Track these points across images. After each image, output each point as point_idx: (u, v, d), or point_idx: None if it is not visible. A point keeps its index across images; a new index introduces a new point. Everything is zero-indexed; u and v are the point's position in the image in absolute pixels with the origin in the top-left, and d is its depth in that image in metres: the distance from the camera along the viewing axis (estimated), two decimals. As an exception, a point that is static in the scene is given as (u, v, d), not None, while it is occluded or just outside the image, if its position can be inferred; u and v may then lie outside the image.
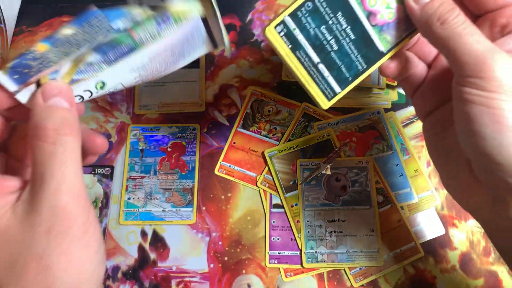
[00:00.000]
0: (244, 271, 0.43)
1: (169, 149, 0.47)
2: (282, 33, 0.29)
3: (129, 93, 0.50)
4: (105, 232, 0.45)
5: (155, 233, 0.45)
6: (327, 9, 0.29)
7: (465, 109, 0.26)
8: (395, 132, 0.47)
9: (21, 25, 0.53)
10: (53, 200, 0.23)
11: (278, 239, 0.44)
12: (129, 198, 0.46)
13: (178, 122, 0.48)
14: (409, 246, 0.43)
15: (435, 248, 0.44)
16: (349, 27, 0.29)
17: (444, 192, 0.45)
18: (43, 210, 0.23)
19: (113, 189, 0.46)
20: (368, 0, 0.29)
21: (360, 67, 0.31)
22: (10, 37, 0.52)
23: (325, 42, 0.30)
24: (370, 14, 0.29)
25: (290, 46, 0.29)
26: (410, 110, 0.48)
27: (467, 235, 0.44)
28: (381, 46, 0.30)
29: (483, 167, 0.27)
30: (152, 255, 0.44)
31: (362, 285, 0.43)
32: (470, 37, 0.26)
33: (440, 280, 0.43)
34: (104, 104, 0.50)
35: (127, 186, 0.46)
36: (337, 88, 0.31)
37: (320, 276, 0.43)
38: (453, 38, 0.26)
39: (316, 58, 0.30)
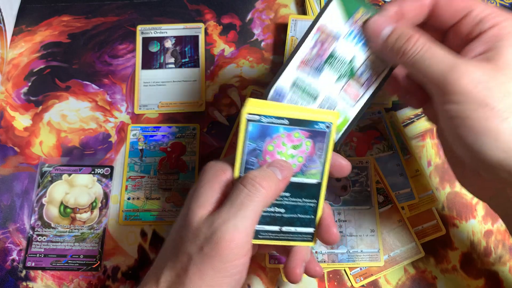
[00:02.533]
0: (244, 271, 0.43)
1: (169, 149, 0.47)
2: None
3: (129, 93, 0.50)
4: (104, 232, 0.45)
5: (155, 233, 0.45)
6: None
7: (449, 125, 0.29)
8: (395, 132, 0.47)
9: (20, 25, 0.53)
10: (217, 226, 0.28)
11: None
12: (128, 198, 0.45)
13: (178, 122, 0.48)
14: (410, 246, 0.43)
15: (436, 248, 0.43)
16: None
17: (445, 192, 0.45)
18: (208, 228, 0.29)
19: (112, 189, 0.46)
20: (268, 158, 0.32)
21: (313, 205, 0.33)
22: (10, 37, 0.52)
23: (272, 214, 0.32)
24: None
25: (253, 238, 0.32)
26: (411, 110, 0.48)
27: (467, 235, 0.44)
28: (314, 180, 0.33)
29: (476, 168, 0.30)
30: (152, 255, 0.44)
31: (363, 285, 0.42)
32: (432, 59, 0.28)
33: (440, 280, 0.43)
34: (104, 104, 0.49)
35: (126, 186, 0.46)
36: (309, 229, 0.33)
37: (320, 276, 0.43)
38: (417, 64, 0.29)
39: (276, 228, 0.33)
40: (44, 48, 0.52)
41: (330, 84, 0.33)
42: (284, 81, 0.33)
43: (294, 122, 0.31)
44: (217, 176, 0.31)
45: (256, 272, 0.43)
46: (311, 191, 0.33)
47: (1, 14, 0.50)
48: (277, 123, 0.31)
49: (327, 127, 0.32)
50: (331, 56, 0.33)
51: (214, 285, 0.28)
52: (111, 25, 0.53)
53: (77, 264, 0.44)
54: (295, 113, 0.31)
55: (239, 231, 0.28)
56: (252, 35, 0.52)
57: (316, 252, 0.43)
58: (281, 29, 0.52)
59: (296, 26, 0.49)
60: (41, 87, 0.50)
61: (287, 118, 0.31)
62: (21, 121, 0.49)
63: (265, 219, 0.32)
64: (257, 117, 0.31)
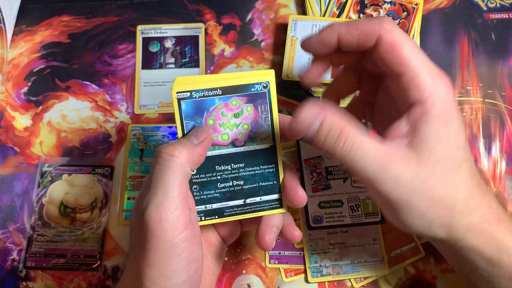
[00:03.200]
0: (244, 271, 0.43)
1: (169, 149, 0.47)
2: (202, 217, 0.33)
3: (129, 93, 0.50)
4: (104, 232, 0.45)
5: (155, 233, 0.45)
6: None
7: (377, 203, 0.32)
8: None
9: (20, 25, 0.53)
10: (141, 212, 0.28)
11: (278, 239, 0.44)
12: (128, 198, 0.45)
13: (178, 122, 0.48)
14: (410, 246, 0.43)
15: (436, 248, 0.43)
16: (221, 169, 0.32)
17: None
18: (136, 216, 0.29)
19: (113, 189, 0.46)
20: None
21: (272, 170, 0.32)
22: (10, 37, 0.52)
23: (232, 188, 0.32)
24: (233, 142, 0.32)
25: (218, 217, 0.32)
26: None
27: (467, 235, 0.44)
28: (266, 145, 0.32)
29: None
30: (152, 255, 0.44)
31: (363, 286, 0.42)
32: (362, 160, 0.28)
33: (440, 280, 0.43)
34: (104, 104, 0.49)
35: (126, 186, 0.46)
36: (275, 196, 0.33)
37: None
38: (349, 164, 0.29)
39: (240, 202, 0.32)
40: (44, 48, 0.52)
41: None
42: None
43: (228, 90, 0.30)
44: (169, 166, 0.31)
45: (256, 272, 0.43)
46: (266, 156, 0.32)
47: (1, 14, 0.50)
48: (211, 95, 0.30)
49: (264, 87, 0.31)
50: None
51: (165, 268, 0.28)
52: (111, 25, 0.53)
53: (77, 264, 0.44)
54: (226, 81, 0.30)
55: (164, 207, 0.27)
56: (252, 35, 0.52)
57: (320, 265, 0.43)
58: (281, 29, 0.52)
59: (296, 26, 0.49)
60: (41, 87, 0.50)
61: (219, 88, 0.30)
62: (21, 121, 0.49)
63: (225, 195, 0.32)
64: (187, 94, 0.30)
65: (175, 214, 0.27)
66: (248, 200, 0.32)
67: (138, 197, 0.30)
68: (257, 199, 0.32)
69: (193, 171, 0.31)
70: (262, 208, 0.33)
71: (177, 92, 0.30)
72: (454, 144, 0.29)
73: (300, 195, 0.32)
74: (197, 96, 0.30)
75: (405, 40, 0.29)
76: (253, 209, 0.32)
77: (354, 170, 0.29)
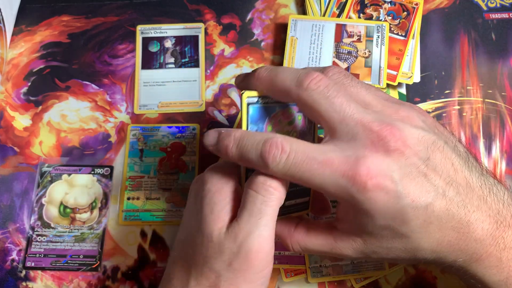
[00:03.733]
0: (244, 272, 0.43)
1: (168, 149, 0.47)
2: None
3: (128, 93, 0.50)
4: (104, 232, 0.45)
5: (155, 234, 0.45)
6: None
7: None
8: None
9: (20, 25, 0.53)
10: (242, 240, 0.28)
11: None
12: (128, 198, 0.45)
13: (178, 122, 0.48)
14: (410, 247, 0.43)
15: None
16: None
17: (444, 192, 0.45)
18: (232, 244, 0.28)
19: (112, 189, 0.46)
20: None
21: None
22: (9, 37, 0.52)
23: None
24: None
25: None
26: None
27: (468, 235, 0.44)
28: None
29: None
30: (152, 256, 0.44)
31: (363, 286, 0.42)
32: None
33: (440, 281, 0.43)
34: (104, 104, 0.49)
35: (126, 186, 0.46)
36: (306, 199, 0.35)
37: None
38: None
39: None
40: (44, 48, 0.52)
41: None
42: None
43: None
44: (226, 183, 0.30)
45: (256, 272, 0.43)
46: None
47: (1, 14, 0.50)
48: (273, 102, 0.32)
49: None
50: None
51: None
52: (111, 25, 0.53)
53: (77, 264, 0.44)
54: None
55: (265, 239, 0.28)
56: (252, 35, 0.52)
57: (320, 266, 0.43)
58: (281, 29, 0.52)
59: (296, 26, 0.49)
60: (41, 87, 0.50)
61: None
62: (20, 121, 0.49)
63: None
64: (255, 99, 0.31)
65: (270, 247, 0.28)
66: (287, 203, 0.33)
67: (209, 215, 0.30)
68: (293, 201, 0.33)
69: None
70: (295, 209, 0.34)
71: (247, 97, 0.31)
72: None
73: (326, 201, 0.34)
74: (262, 102, 0.31)
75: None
76: (287, 211, 0.34)
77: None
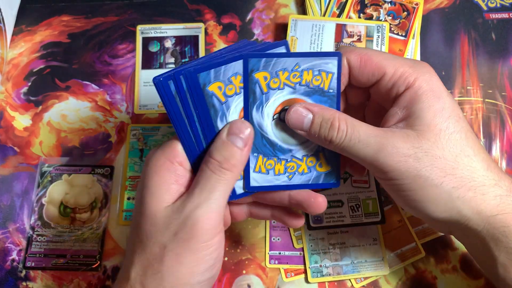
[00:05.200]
0: (244, 272, 0.43)
1: (169, 149, 0.47)
2: None
3: (129, 93, 0.50)
4: (104, 232, 0.45)
5: (155, 233, 0.45)
6: None
7: (391, 194, 0.32)
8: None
9: (20, 25, 0.53)
10: (190, 212, 0.29)
11: (278, 239, 0.44)
12: (128, 198, 0.45)
13: (178, 122, 0.48)
14: (410, 247, 0.43)
15: (436, 249, 0.43)
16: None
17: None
18: (180, 215, 0.29)
19: (112, 189, 0.46)
20: None
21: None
22: (10, 37, 0.52)
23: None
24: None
25: None
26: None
27: (468, 235, 0.44)
28: None
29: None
30: (152, 256, 0.44)
31: (363, 286, 0.42)
32: (358, 144, 0.29)
33: (440, 281, 0.43)
34: (104, 104, 0.49)
35: (126, 186, 0.46)
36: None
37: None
38: (346, 150, 0.30)
39: None
40: (44, 48, 0.52)
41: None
42: None
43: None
44: (163, 166, 0.30)
45: (256, 272, 0.43)
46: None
47: (1, 14, 0.50)
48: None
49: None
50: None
51: (193, 266, 0.29)
52: (111, 25, 0.53)
53: (77, 264, 0.44)
54: None
55: (214, 212, 0.29)
56: (252, 35, 0.52)
57: (320, 266, 0.43)
58: (281, 29, 0.52)
59: (296, 26, 0.49)
60: (41, 87, 0.50)
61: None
62: (21, 121, 0.49)
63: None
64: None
65: (218, 220, 0.29)
66: None
67: (149, 197, 0.30)
68: None
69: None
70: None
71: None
72: (452, 116, 0.30)
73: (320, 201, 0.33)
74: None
75: (370, 51, 0.32)
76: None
77: (352, 154, 0.30)
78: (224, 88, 0.30)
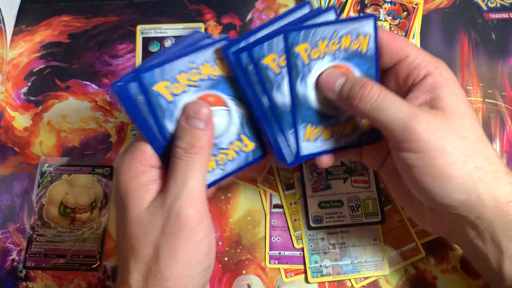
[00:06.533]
0: (244, 272, 0.43)
1: (169, 149, 0.47)
2: None
3: (128, 93, 0.50)
4: (104, 232, 0.45)
5: (155, 233, 0.45)
6: None
7: (407, 172, 0.30)
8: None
9: (20, 25, 0.53)
10: (170, 204, 0.28)
11: (278, 239, 0.44)
12: (128, 198, 0.45)
13: (178, 122, 0.48)
14: (410, 247, 0.43)
15: (436, 248, 0.43)
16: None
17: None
18: (162, 210, 0.29)
19: (112, 189, 0.46)
20: None
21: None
22: (10, 37, 0.52)
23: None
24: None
25: None
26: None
27: (468, 235, 0.44)
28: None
29: (436, 208, 0.32)
30: (152, 256, 0.44)
31: (363, 286, 0.42)
32: (390, 107, 0.29)
33: (440, 281, 0.43)
34: (104, 104, 0.49)
35: (126, 186, 0.46)
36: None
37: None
38: (375, 111, 0.29)
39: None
40: (44, 48, 0.52)
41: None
42: None
43: None
44: (138, 171, 0.30)
45: (256, 272, 0.43)
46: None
47: (1, 14, 0.50)
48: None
49: None
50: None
51: (190, 257, 0.29)
52: (111, 25, 0.53)
53: (77, 264, 0.44)
54: None
55: (193, 197, 0.29)
56: (252, 35, 0.52)
57: (320, 265, 0.43)
58: (281, 29, 0.52)
59: (296, 26, 0.49)
60: (41, 87, 0.50)
61: None
62: (21, 121, 0.49)
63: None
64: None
65: (201, 205, 0.29)
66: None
67: (130, 203, 0.30)
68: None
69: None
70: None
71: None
72: (470, 105, 0.31)
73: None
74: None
75: (397, 35, 0.33)
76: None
77: (382, 118, 0.29)
78: (171, 87, 0.30)
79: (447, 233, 0.34)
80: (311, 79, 0.32)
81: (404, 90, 0.33)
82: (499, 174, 0.30)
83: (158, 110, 0.30)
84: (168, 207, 0.29)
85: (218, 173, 0.33)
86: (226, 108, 0.32)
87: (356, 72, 0.33)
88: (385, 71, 0.34)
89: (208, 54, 0.30)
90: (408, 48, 0.32)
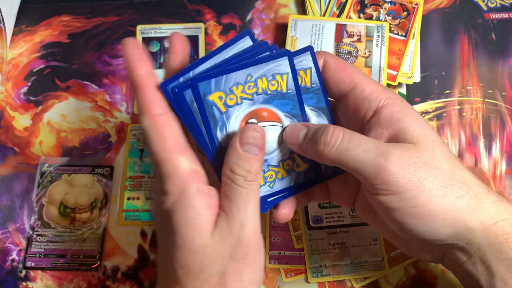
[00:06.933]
0: (244, 272, 0.43)
1: (169, 149, 0.47)
2: None
3: (128, 93, 0.50)
4: (104, 232, 0.45)
5: (155, 234, 0.45)
6: None
7: (387, 214, 0.29)
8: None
9: (20, 25, 0.53)
10: (238, 233, 0.28)
11: (278, 239, 0.44)
12: (128, 198, 0.45)
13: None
14: (410, 247, 0.43)
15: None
16: None
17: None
18: (229, 239, 0.28)
19: (112, 189, 0.46)
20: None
21: None
22: (10, 37, 0.52)
23: None
24: None
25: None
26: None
27: (468, 235, 0.44)
28: None
29: (423, 242, 0.30)
30: (152, 256, 0.44)
31: (363, 286, 0.42)
32: (357, 148, 0.28)
33: (440, 280, 0.43)
34: (104, 104, 0.49)
35: (126, 186, 0.46)
36: None
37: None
38: (342, 154, 0.28)
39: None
40: (44, 48, 0.52)
41: None
42: None
43: None
44: (205, 189, 0.30)
45: (256, 272, 0.43)
46: None
47: (1, 14, 0.50)
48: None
49: None
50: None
51: (252, 277, 0.29)
52: (111, 25, 0.53)
53: (77, 264, 0.44)
54: None
55: (256, 223, 0.29)
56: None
57: (320, 266, 0.43)
58: (281, 29, 0.52)
59: (296, 26, 0.49)
60: (41, 87, 0.50)
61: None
62: (21, 121, 0.49)
63: None
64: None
65: (260, 229, 0.29)
66: None
67: (191, 232, 0.29)
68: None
69: None
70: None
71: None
72: (433, 128, 0.30)
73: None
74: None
75: (346, 62, 0.32)
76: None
77: (351, 162, 0.28)
78: (225, 98, 0.29)
79: (438, 259, 0.33)
80: (232, 126, 0.30)
81: (357, 124, 0.31)
82: (481, 196, 0.29)
83: (211, 120, 0.30)
84: (236, 236, 0.28)
85: (265, 190, 0.32)
86: (280, 125, 0.31)
87: (281, 115, 0.31)
88: (335, 103, 0.33)
89: (266, 68, 0.30)
90: (356, 78, 0.31)
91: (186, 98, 0.29)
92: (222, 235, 0.28)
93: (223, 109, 0.30)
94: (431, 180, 0.28)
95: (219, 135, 0.30)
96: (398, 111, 0.29)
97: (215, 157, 0.30)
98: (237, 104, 0.30)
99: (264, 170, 0.32)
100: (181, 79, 0.29)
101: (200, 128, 0.30)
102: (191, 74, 0.29)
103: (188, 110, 0.29)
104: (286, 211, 0.33)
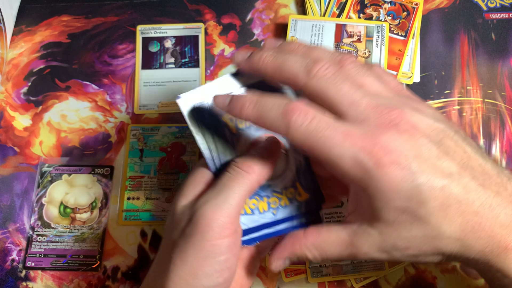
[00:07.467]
0: (244, 272, 0.43)
1: (168, 149, 0.47)
2: None
3: (128, 93, 0.50)
4: (104, 232, 0.45)
5: (155, 234, 0.45)
6: None
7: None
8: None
9: (20, 25, 0.53)
10: (198, 207, 0.28)
11: (278, 239, 0.44)
12: (128, 198, 0.45)
13: (178, 122, 0.48)
14: (410, 247, 0.43)
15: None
16: None
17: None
18: (189, 211, 0.29)
19: (112, 189, 0.46)
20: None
21: None
22: (10, 37, 0.52)
23: None
24: None
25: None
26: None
27: (467, 235, 0.44)
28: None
29: None
30: (152, 256, 0.44)
31: (363, 286, 0.42)
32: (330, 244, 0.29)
33: (440, 281, 0.43)
34: (104, 104, 0.49)
35: (126, 186, 0.46)
36: None
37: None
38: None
39: None
40: (44, 48, 0.52)
41: None
42: None
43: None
44: (201, 173, 0.32)
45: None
46: None
47: (1, 14, 0.50)
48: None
49: None
50: None
51: (197, 267, 0.28)
52: (111, 25, 0.53)
53: (77, 264, 0.44)
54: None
55: (221, 209, 0.28)
56: (252, 35, 0.52)
57: (320, 265, 0.43)
58: (281, 29, 0.52)
59: (296, 26, 0.49)
60: (41, 87, 0.50)
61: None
62: (21, 121, 0.49)
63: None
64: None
65: (226, 220, 0.28)
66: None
67: (177, 195, 0.31)
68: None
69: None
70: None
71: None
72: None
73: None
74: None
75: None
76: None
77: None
78: (235, 120, 0.32)
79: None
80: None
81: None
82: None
83: (222, 140, 0.31)
84: (194, 209, 0.28)
85: (268, 217, 0.32)
86: (284, 152, 0.32)
87: (284, 142, 0.33)
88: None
89: None
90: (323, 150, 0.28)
91: (203, 114, 0.31)
92: (187, 208, 0.30)
93: (234, 131, 0.32)
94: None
95: (228, 156, 0.32)
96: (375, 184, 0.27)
97: (216, 173, 0.32)
98: (246, 127, 0.32)
99: (267, 195, 0.32)
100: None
101: (208, 144, 0.32)
102: None
103: (200, 125, 0.31)
104: (280, 263, 0.31)
